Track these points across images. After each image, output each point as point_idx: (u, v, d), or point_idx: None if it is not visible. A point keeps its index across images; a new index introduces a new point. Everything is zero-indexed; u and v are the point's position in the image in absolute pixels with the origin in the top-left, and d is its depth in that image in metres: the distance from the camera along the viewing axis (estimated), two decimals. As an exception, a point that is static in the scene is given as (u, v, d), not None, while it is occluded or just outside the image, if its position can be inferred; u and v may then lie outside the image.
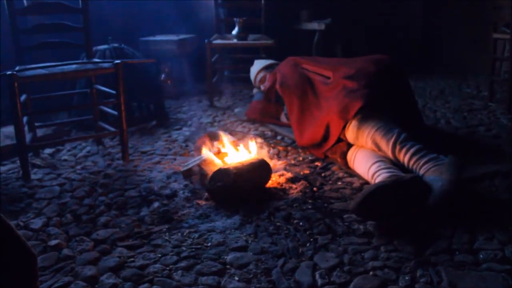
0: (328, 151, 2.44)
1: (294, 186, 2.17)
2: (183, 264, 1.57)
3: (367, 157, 2.16)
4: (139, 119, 3.32)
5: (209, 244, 1.69)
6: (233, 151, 2.35)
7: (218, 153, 2.34)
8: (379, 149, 2.14)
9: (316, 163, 2.45)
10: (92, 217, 1.93)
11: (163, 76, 4.15)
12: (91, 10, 2.72)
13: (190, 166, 2.30)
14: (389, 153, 2.09)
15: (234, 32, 3.80)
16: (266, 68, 3.34)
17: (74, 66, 2.48)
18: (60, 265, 1.58)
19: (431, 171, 1.90)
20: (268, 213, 1.91)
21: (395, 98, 2.44)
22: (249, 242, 1.70)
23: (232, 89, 4.38)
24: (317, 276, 1.49)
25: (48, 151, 2.78)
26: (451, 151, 1.98)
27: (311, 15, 4.78)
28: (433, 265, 1.52)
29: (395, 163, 2.09)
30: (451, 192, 1.78)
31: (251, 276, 1.50)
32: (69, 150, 2.82)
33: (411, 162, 2.01)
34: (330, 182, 2.22)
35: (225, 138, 2.44)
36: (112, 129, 2.64)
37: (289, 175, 2.28)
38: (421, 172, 1.95)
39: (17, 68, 2.42)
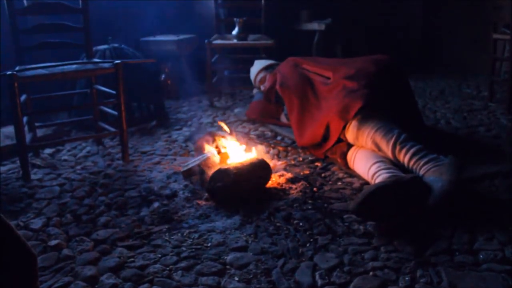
0: (328, 151, 2.44)
1: (294, 186, 2.17)
2: (183, 264, 1.57)
3: (367, 158, 2.16)
4: (139, 119, 3.32)
5: (209, 244, 1.69)
6: (233, 151, 2.35)
7: (218, 153, 2.34)
8: (379, 149, 2.14)
9: (316, 164, 2.45)
10: (92, 217, 1.93)
11: (163, 76, 4.15)
12: (91, 10, 2.72)
13: (190, 166, 2.30)
14: (389, 154, 2.09)
15: (234, 32, 3.80)
16: (266, 68, 3.34)
17: (74, 66, 2.48)
18: (60, 265, 1.58)
19: (431, 172, 1.90)
20: (268, 213, 1.91)
21: (395, 98, 2.44)
22: (249, 242, 1.70)
23: (232, 89, 4.39)
24: (317, 276, 1.49)
25: (48, 151, 2.78)
26: (451, 152, 1.98)
27: (311, 15, 4.79)
28: (433, 265, 1.52)
29: (395, 164, 2.09)
30: (451, 193, 1.78)
31: (251, 276, 1.50)
32: (69, 150, 2.82)
33: (411, 163, 2.01)
34: (330, 182, 2.22)
35: (225, 138, 2.44)
36: (112, 129, 2.64)
37: (289, 175, 2.28)
38: (421, 172, 1.95)
39: (17, 68, 2.42)
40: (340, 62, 2.78)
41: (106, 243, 1.72)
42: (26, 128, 2.42)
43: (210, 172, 2.10)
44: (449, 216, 1.79)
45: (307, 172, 2.34)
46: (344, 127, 2.29)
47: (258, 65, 3.43)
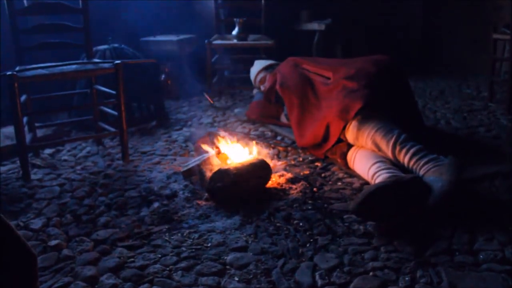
0: (328, 151, 2.44)
1: (294, 186, 2.17)
2: (183, 264, 1.57)
3: (367, 158, 2.16)
4: (139, 119, 3.32)
5: (209, 245, 1.69)
6: (233, 152, 2.35)
7: (218, 153, 2.34)
8: (379, 149, 2.14)
9: (316, 164, 2.45)
10: (92, 217, 1.93)
11: (163, 76, 4.15)
12: (91, 10, 2.72)
13: (190, 166, 2.30)
14: (389, 154, 2.09)
15: (234, 32, 3.80)
16: (266, 68, 3.34)
17: (74, 66, 2.48)
18: (60, 265, 1.58)
19: (431, 172, 1.90)
20: (268, 213, 1.91)
21: (395, 99, 2.44)
22: (249, 242, 1.70)
23: (232, 89, 4.39)
24: (317, 276, 1.49)
25: (48, 151, 2.78)
26: (451, 152, 1.98)
27: (311, 16, 4.79)
28: (433, 265, 1.52)
29: (395, 164, 2.09)
30: (451, 193, 1.78)
31: (251, 276, 1.50)
32: (69, 151, 2.82)
33: (411, 163, 2.01)
34: (330, 182, 2.22)
35: (225, 138, 2.44)
36: (112, 129, 2.64)
37: (289, 175, 2.28)
38: (421, 172, 1.95)
39: (17, 68, 2.42)
40: (340, 62, 2.78)
41: (106, 243, 1.72)
42: (26, 128, 2.42)
43: (210, 172, 2.10)
44: (449, 216, 1.79)
45: (307, 172, 2.34)
46: (344, 127, 2.29)
47: (258, 65, 3.43)
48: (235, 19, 3.81)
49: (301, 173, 2.32)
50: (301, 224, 1.82)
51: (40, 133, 2.83)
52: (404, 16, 5.39)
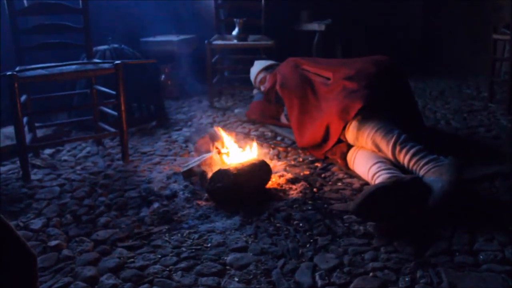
0: (328, 152, 2.43)
1: (294, 187, 2.17)
2: (183, 264, 1.57)
3: (367, 158, 2.16)
4: (139, 119, 3.32)
5: (209, 245, 1.69)
6: (233, 152, 2.35)
7: (218, 153, 2.34)
8: (379, 150, 2.14)
9: (316, 164, 2.45)
10: (92, 217, 1.93)
11: (163, 76, 4.15)
12: (91, 10, 2.72)
13: (190, 166, 2.30)
14: (389, 154, 2.09)
15: (234, 32, 3.80)
16: (266, 69, 3.34)
17: (74, 66, 2.48)
18: (60, 265, 1.58)
19: (431, 172, 1.90)
20: (268, 214, 1.91)
21: (395, 99, 2.44)
22: (249, 243, 1.70)
23: (232, 89, 4.39)
24: (317, 277, 1.49)
25: (48, 151, 2.78)
26: (451, 152, 1.98)
27: (311, 16, 4.79)
28: (433, 266, 1.52)
29: (395, 164, 2.09)
30: (451, 193, 1.78)
31: (251, 277, 1.50)
32: (69, 151, 2.82)
33: (411, 163, 2.01)
34: (330, 183, 2.22)
35: (225, 138, 2.44)
36: (112, 129, 2.64)
37: (289, 176, 2.28)
38: (421, 173, 1.95)
39: (17, 69, 2.42)
40: (340, 62, 2.78)
41: (106, 243, 1.72)
42: (26, 129, 2.42)
43: (210, 172, 2.10)
44: (449, 217, 1.79)
45: (307, 172, 2.34)
46: (344, 128, 2.29)
47: (258, 65, 3.43)
48: (235, 20, 3.81)
49: (301, 174, 2.32)
50: (301, 224, 1.82)
51: (40, 133, 2.83)
52: (404, 16, 5.39)
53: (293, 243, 1.69)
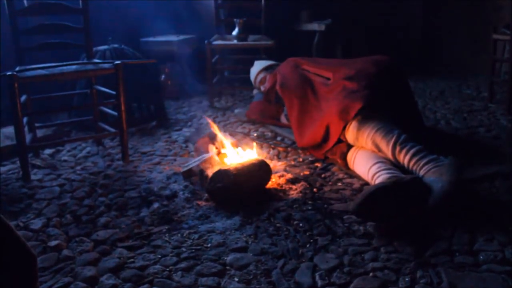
0: (328, 152, 2.43)
1: (294, 187, 2.17)
2: (183, 265, 1.57)
3: (367, 158, 2.16)
4: (139, 119, 3.32)
5: (209, 245, 1.69)
6: (233, 152, 2.35)
7: (218, 153, 2.34)
8: (379, 150, 2.14)
9: (316, 164, 2.45)
10: (92, 217, 1.93)
11: (163, 76, 4.15)
12: (91, 10, 2.72)
13: (190, 166, 2.30)
14: (389, 154, 2.09)
15: (234, 33, 3.80)
16: (266, 69, 3.34)
17: (74, 66, 2.48)
18: (60, 265, 1.58)
19: (431, 172, 1.90)
20: (268, 214, 1.91)
21: (395, 99, 2.44)
22: (249, 243, 1.70)
23: (232, 90, 4.39)
24: (317, 277, 1.49)
25: (48, 151, 2.78)
26: (451, 152, 1.98)
27: (311, 16, 4.79)
28: (433, 266, 1.52)
29: (395, 164, 2.09)
30: (451, 193, 1.78)
31: (251, 277, 1.50)
32: (69, 151, 2.82)
33: (411, 163, 2.01)
34: (330, 183, 2.22)
35: (225, 139, 2.44)
36: (112, 129, 2.64)
37: (289, 176, 2.28)
38: (421, 173, 1.95)
39: (17, 69, 2.42)
40: (340, 62, 2.78)
41: (106, 243, 1.72)
42: (26, 129, 2.42)
43: (210, 172, 2.10)
44: (449, 217, 1.79)
45: (307, 172, 2.34)
46: (344, 128, 2.29)
47: (258, 65, 3.43)
48: (235, 20, 3.81)
49: (301, 174, 2.32)
50: (301, 224, 1.82)
51: (40, 133, 2.83)
52: (404, 16, 5.39)
53: (293, 243, 1.69)
